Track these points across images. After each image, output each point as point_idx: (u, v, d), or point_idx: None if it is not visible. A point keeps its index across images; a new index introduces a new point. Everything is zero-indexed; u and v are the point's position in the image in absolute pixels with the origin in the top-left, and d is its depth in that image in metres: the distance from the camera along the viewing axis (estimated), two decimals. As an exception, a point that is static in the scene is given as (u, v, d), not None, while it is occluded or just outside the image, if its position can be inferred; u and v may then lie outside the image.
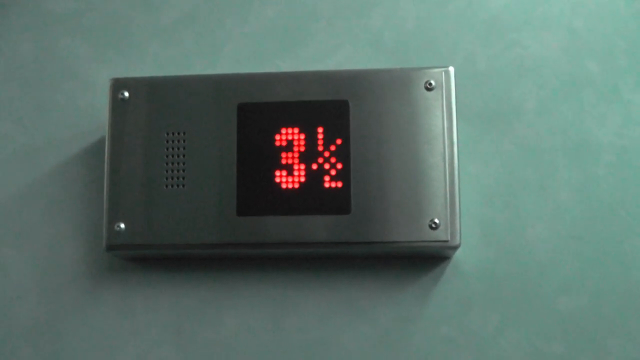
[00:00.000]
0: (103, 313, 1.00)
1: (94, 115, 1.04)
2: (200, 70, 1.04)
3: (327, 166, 0.93)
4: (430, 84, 0.94)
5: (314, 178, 0.93)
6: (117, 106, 0.97)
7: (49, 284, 1.01)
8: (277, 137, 0.94)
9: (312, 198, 0.93)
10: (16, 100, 1.06)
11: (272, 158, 0.94)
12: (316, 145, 0.94)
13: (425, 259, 0.97)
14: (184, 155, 0.95)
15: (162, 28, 1.06)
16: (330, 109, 0.94)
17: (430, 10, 1.03)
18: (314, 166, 0.93)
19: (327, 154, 0.93)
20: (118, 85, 0.97)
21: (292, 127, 0.94)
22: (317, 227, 0.92)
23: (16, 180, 1.04)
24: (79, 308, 1.00)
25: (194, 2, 1.06)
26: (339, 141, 0.93)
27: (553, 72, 1.00)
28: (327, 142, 0.94)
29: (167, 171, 0.95)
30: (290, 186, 0.93)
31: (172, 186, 0.95)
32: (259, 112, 0.95)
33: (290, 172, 0.93)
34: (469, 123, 0.99)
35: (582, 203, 0.97)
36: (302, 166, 0.93)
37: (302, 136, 0.94)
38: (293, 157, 0.94)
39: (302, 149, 0.94)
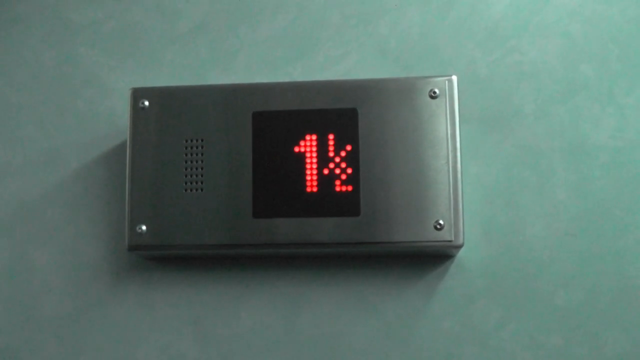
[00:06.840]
0: (125, 308, 1.02)
1: (113, 121, 1.06)
2: (214, 77, 1.06)
3: (337, 171, 0.96)
4: (435, 92, 0.96)
5: (326, 182, 0.96)
6: (138, 114, 0.99)
7: (72, 281, 1.04)
8: (291, 143, 0.97)
9: (324, 201, 0.95)
10: (38, 106, 1.08)
11: (286, 163, 0.96)
12: (327, 151, 0.96)
13: (430, 258, 0.99)
14: (202, 161, 0.97)
15: (177, 37, 1.08)
16: (340, 116, 0.97)
17: (434, 18, 1.05)
18: (326, 171, 0.96)
19: (337, 160, 0.96)
20: (138, 94, 1.00)
21: (305, 134, 0.97)
22: (329, 228, 0.94)
23: (40, 183, 1.06)
24: (101, 303, 1.03)
25: (207, 11, 1.08)
26: (348, 147, 0.96)
27: (550, 77, 1.02)
28: (338, 148, 0.96)
29: (186, 176, 0.97)
30: (303, 190, 0.96)
31: (191, 190, 0.97)
32: (273, 119, 0.97)
33: (303, 176, 0.96)
34: (471, 126, 1.01)
35: (579, 202, 0.99)
36: (315, 171, 0.96)
37: (315, 143, 0.96)
38: (306, 163, 0.96)
39: (315, 154, 0.96)
